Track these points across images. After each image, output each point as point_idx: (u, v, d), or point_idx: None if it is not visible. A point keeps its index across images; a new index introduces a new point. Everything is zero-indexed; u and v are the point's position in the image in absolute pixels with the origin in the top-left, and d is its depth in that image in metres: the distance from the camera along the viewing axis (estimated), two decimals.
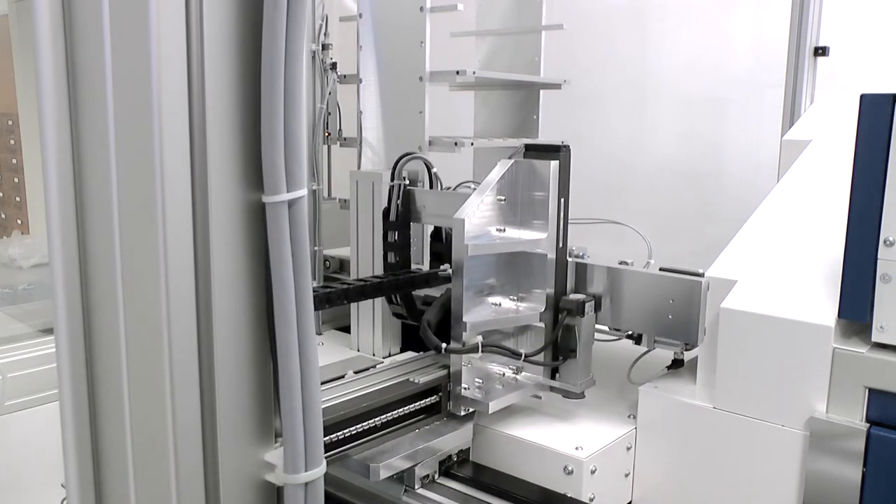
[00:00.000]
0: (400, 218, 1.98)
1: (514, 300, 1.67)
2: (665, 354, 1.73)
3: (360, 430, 1.47)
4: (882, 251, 1.32)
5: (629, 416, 1.67)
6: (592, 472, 1.51)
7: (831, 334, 1.37)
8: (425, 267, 2.09)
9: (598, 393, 1.74)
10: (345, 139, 2.51)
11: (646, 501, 1.64)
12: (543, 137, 2.53)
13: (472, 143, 2.21)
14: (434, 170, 2.01)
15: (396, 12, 2.15)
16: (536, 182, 1.64)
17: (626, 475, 1.64)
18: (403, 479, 1.53)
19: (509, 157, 1.67)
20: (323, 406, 1.17)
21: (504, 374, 1.66)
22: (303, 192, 1.06)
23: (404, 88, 2.14)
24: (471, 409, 1.61)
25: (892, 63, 2.62)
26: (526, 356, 1.62)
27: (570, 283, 1.71)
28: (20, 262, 3.12)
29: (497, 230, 1.63)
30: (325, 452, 1.17)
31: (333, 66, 2.41)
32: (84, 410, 1.10)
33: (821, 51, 2.66)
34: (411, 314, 1.93)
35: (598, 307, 1.69)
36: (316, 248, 2.43)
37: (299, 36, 1.02)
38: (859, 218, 1.34)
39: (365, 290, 1.72)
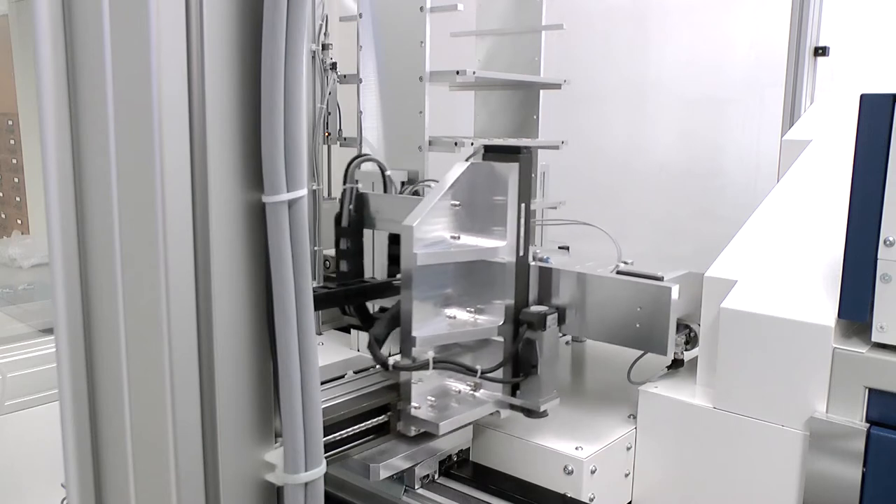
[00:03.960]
0: (352, 224, 1.87)
1: (471, 312, 1.57)
2: None
3: (360, 430, 1.47)
4: (882, 251, 1.32)
5: (629, 416, 1.67)
6: (592, 472, 1.51)
7: (831, 334, 1.37)
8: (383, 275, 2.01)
9: (598, 393, 1.74)
10: (345, 139, 2.51)
11: (646, 501, 1.64)
12: (543, 137, 2.53)
13: (472, 143, 2.21)
14: (388, 172, 1.93)
15: (396, 12, 2.15)
16: (497, 186, 1.53)
17: (626, 475, 1.64)
18: (403, 479, 1.53)
19: (466, 160, 1.57)
20: (323, 406, 1.17)
21: (460, 392, 1.57)
22: (303, 192, 1.06)
23: (404, 88, 2.14)
24: (422, 430, 1.50)
25: (892, 63, 2.62)
26: (482, 372, 1.51)
27: (533, 291, 1.62)
28: (20, 262, 3.12)
29: (452, 237, 1.52)
30: (325, 452, 1.17)
31: (333, 66, 2.42)
32: (84, 410, 1.10)
33: (821, 51, 2.67)
34: (366, 326, 1.79)
35: (562, 319, 1.60)
36: (316, 248, 2.43)
37: (299, 36, 1.02)
38: (859, 218, 1.34)
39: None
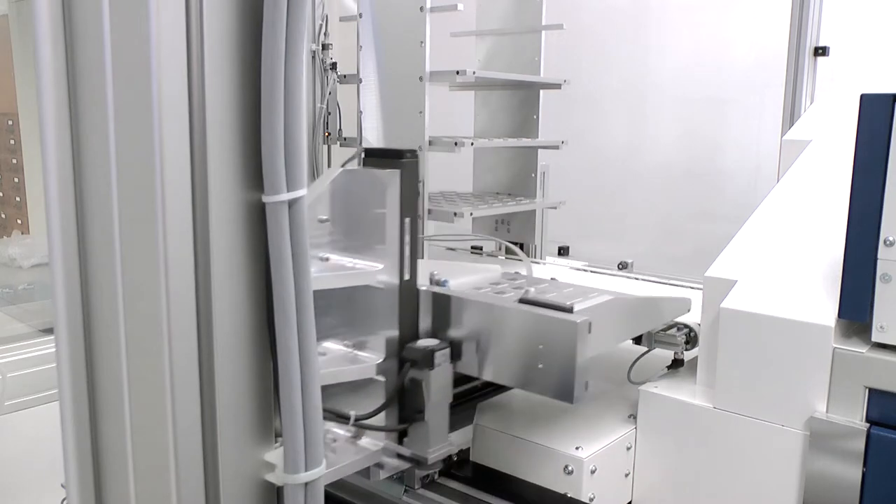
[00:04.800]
0: None
1: (349, 346, 1.37)
2: (665, 354, 1.73)
3: None
4: (882, 251, 1.32)
5: (629, 416, 1.67)
6: (592, 472, 1.51)
7: (831, 334, 1.37)
8: None
9: (598, 393, 1.74)
10: (345, 139, 2.51)
11: (646, 501, 1.64)
12: (543, 137, 2.53)
13: (472, 143, 2.21)
14: None
15: (396, 12, 2.15)
16: (376, 197, 1.31)
17: (626, 475, 1.64)
18: (403, 479, 1.53)
19: (342, 165, 1.43)
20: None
21: (336, 440, 1.35)
22: (303, 192, 1.06)
23: (404, 88, 2.14)
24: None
25: (892, 63, 2.62)
26: (357, 419, 1.29)
27: (424, 322, 1.41)
28: (20, 262, 3.13)
29: (321, 258, 1.32)
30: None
31: (333, 66, 2.42)
32: (84, 410, 1.10)
33: (821, 51, 2.67)
34: None
35: (456, 355, 1.38)
36: None
37: (299, 36, 1.02)
38: (859, 218, 1.34)
39: None
